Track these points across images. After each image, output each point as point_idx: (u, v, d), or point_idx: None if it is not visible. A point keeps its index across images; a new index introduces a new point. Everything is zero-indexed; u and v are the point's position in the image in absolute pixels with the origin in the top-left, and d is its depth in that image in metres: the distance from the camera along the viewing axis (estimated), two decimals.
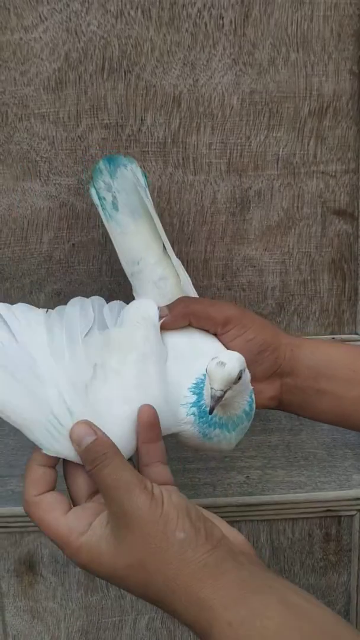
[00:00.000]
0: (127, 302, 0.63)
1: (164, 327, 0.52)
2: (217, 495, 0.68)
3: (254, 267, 0.63)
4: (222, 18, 0.57)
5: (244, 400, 0.49)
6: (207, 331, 0.52)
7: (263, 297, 0.64)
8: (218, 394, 0.45)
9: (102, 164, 0.54)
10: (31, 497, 0.45)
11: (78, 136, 0.59)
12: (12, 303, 0.62)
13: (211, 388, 0.45)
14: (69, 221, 0.61)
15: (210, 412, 0.46)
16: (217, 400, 0.45)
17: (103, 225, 0.60)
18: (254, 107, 0.59)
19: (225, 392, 0.45)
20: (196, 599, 0.40)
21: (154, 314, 0.52)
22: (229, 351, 0.49)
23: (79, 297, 0.53)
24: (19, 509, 0.67)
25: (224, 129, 0.59)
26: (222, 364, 0.45)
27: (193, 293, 0.55)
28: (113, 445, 0.45)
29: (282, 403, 0.54)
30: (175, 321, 0.52)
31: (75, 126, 0.59)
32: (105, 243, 0.61)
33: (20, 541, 0.69)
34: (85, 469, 0.45)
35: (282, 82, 0.59)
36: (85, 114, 0.58)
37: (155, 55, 0.57)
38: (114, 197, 0.54)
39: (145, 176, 0.55)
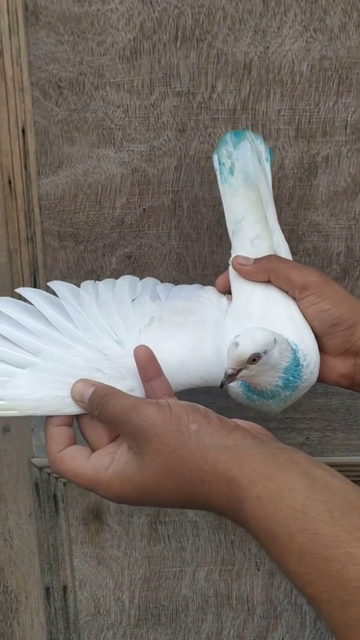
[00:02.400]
0: (194, 266, 0.66)
1: (242, 275, 0.54)
2: None
3: (320, 232, 0.64)
4: None
5: (274, 377, 0.49)
6: (287, 294, 0.53)
7: (328, 262, 0.65)
8: (229, 371, 0.47)
9: (228, 136, 0.58)
10: (54, 454, 0.47)
11: (151, 104, 0.61)
12: (85, 266, 0.66)
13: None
14: (141, 187, 0.63)
15: (220, 386, 0.47)
16: (227, 377, 0.47)
17: (173, 191, 0.63)
18: (323, 73, 0.60)
19: (238, 371, 0.46)
20: (224, 481, 0.41)
21: (217, 296, 0.55)
22: (253, 330, 0.48)
23: (129, 275, 0.57)
24: None
25: (293, 95, 0.60)
26: (236, 344, 0.46)
27: (286, 257, 0.56)
28: (112, 388, 0.47)
29: (355, 383, 0.54)
30: (256, 272, 0.53)
31: (149, 94, 0.61)
32: (174, 208, 0.64)
33: (88, 492, 0.73)
34: (94, 417, 0.47)
35: (353, 47, 0.59)
36: (158, 82, 0.60)
37: (227, 24, 0.59)
38: (232, 164, 0.57)
39: (270, 152, 0.59)
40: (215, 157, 0.58)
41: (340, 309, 0.52)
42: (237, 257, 0.54)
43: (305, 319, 0.52)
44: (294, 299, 0.53)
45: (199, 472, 0.42)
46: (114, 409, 0.46)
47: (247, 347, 0.46)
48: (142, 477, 0.44)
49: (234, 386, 0.51)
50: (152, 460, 0.44)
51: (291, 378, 0.50)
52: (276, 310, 0.52)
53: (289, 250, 0.56)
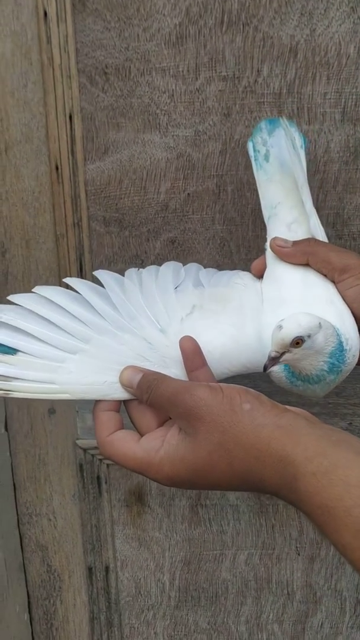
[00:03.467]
0: (237, 250, 0.66)
1: (281, 257, 0.54)
2: None
3: None
4: None
5: (320, 362, 0.49)
6: (325, 277, 0.53)
7: None
8: (272, 354, 0.47)
9: (263, 124, 0.59)
10: (104, 438, 0.48)
11: (196, 89, 0.61)
12: (130, 251, 0.67)
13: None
14: (185, 171, 0.64)
15: (264, 369, 0.48)
16: (271, 360, 0.47)
17: (217, 175, 0.64)
18: None
19: (282, 355, 0.47)
20: (278, 458, 0.41)
21: (252, 280, 0.55)
22: (299, 314, 0.48)
23: (173, 261, 0.57)
24: None
25: (340, 78, 0.60)
26: (280, 327, 0.46)
27: (323, 239, 0.56)
28: (161, 373, 0.48)
29: None
30: (294, 255, 0.54)
31: (194, 79, 0.61)
32: (218, 193, 0.64)
33: (131, 474, 0.74)
34: (143, 401, 0.48)
35: None
36: (203, 67, 0.61)
37: (273, 7, 0.59)
38: (267, 151, 0.58)
39: (305, 139, 0.59)
40: (250, 145, 0.59)
41: None
42: (275, 239, 0.54)
43: (345, 301, 0.52)
44: (333, 282, 0.53)
45: (253, 450, 0.43)
46: (164, 391, 0.46)
47: (291, 331, 0.46)
48: (195, 458, 0.44)
49: (278, 371, 0.51)
50: (205, 440, 0.44)
51: (336, 362, 0.50)
52: (316, 294, 0.52)
53: (325, 234, 0.56)
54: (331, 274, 0.53)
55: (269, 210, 0.57)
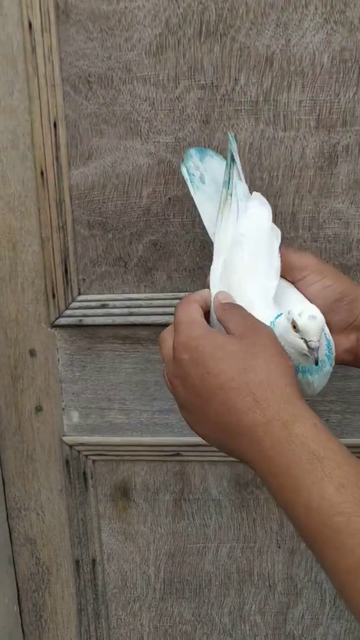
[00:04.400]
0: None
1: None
2: None
3: (340, 219, 0.66)
4: None
5: (323, 345, 0.51)
6: (286, 280, 0.56)
7: (348, 249, 0.67)
8: (317, 344, 0.48)
9: (192, 152, 0.62)
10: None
11: (176, 97, 0.64)
12: (114, 253, 0.69)
13: (309, 341, 0.49)
14: (166, 177, 0.66)
15: (316, 363, 0.49)
16: (317, 350, 0.49)
17: None
18: (344, 64, 0.61)
19: (319, 342, 0.49)
20: (288, 398, 0.44)
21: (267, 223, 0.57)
22: (308, 304, 0.51)
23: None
24: (116, 439, 0.74)
25: (314, 86, 0.62)
26: (314, 317, 0.48)
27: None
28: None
29: (358, 358, 0.56)
30: None
31: (174, 87, 0.63)
32: None
33: (116, 469, 0.76)
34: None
35: None
36: (183, 76, 0.63)
37: (249, 18, 0.61)
38: (202, 175, 0.62)
39: (234, 138, 0.60)
40: (183, 169, 0.62)
41: (342, 284, 0.54)
42: None
43: (308, 298, 0.54)
44: (292, 281, 0.55)
45: (274, 379, 0.45)
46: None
47: (322, 316, 0.49)
48: (223, 344, 0.47)
49: None
50: (246, 344, 0.47)
51: (329, 353, 0.52)
52: (290, 295, 0.54)
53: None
54: (291, 274, 0.55)
55: (213, 227, 0.59)
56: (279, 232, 0.58)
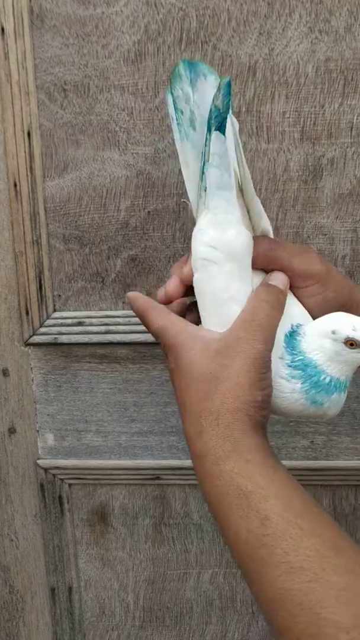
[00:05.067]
0: None
1: None
2: (281, 458, 0.69)
3: (325, 235, 0.63)
4: None
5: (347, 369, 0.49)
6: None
7: (333, 265, 0.64)
8: None
9: (182, 68, 0.47)
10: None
11: (155, 106, 0.61)
12: (90, 268, 0.66)
13: (354, 339, 0.46)
14: (145, 189, 0.63)
15: None
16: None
17: (177, 194, 0.63)
18: (329, 75, 0.59)
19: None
20: (230, 433, 0.44)
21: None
22: (353, 317, 0.47)
23: None
24: (93, 462, 0.71)
25: (299, 97, 0.60)
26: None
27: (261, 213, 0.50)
28: (284, 299, 0.49)
29: None
30: (255, 260, 0.49)
31: (153, 97, 0.61)
32: (179, 211, 0.64)
33: (93, 493, 0.73)
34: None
35: (358, 49, 0.58)
36: (162, 85, 0.60)
37: (232, 26, 0.58)
38: (192, 113, 0.47)
39: (225, 83, 0.45)
40: (169, 99, 0.48)
41: (342, 295, 0.50)
42: None
43: (305, 305, 0.50)
44: (294, 287, 0.50)
45: (224, 412, 0.45)
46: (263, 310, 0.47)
47: None
48: (202, 357, 0.46)
49: (291, 395, 0.48)
50: (217, 366, 0.46)
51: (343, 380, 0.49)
52: (290, 307, 0.50)
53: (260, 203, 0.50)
54: (293, 280, 0.49)
55: (200, 190, 0.49)
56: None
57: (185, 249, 0.65)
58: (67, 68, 0.61)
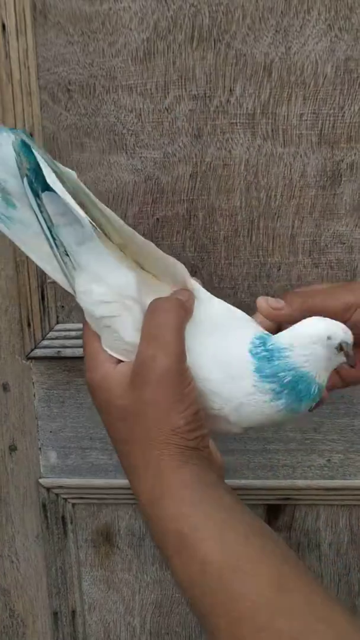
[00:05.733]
0: (210, 278, 0.62)
1: (275, 320, 0.49)
2: (296, 478, 0.66)
3: (344, 243, 0.60)
4: None
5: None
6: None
7: (352, 275, 0.61)
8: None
9: None
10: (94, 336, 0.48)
11: (165, 108, 0.58)
12: None
13: (347, 344, 0.45)
14: (154, 195, 0.60)
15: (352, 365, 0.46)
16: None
17: (188, 200, 0.60)
18: (349, 75, 0.56)
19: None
20: (159, 471, 0.43)
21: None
22: (333, 322, 0.46)
23: None
24: (98, 481, 0.68)
25: (317, 98, 0.57)
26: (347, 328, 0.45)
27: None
28: (181, 307, 0.46)
29: None
30: (292, 316, 0.48)
31: (163, 98, 0.58)
32: (189, 218, 0.60)
33: (98, 513, 0.70)
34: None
35: None
36: (173, 85, 0.57)
37: (246, 23, 0.55)
38: (2, 190, 0.44)
39: (27, 136, 0.43)
40: None
41: None
42: (267, 299, 0.49)
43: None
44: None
45: (149, 449, 0.43)
46: (157, 324, 0.45)
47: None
48: (116, 398, 0.45)
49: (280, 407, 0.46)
50: (132, 400, 0.44)
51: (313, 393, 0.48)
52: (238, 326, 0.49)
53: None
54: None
55: (61, 260, 0.46)
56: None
57: (195, 258, 0.62)
58: (72, 67, 0.57)
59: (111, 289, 0.45)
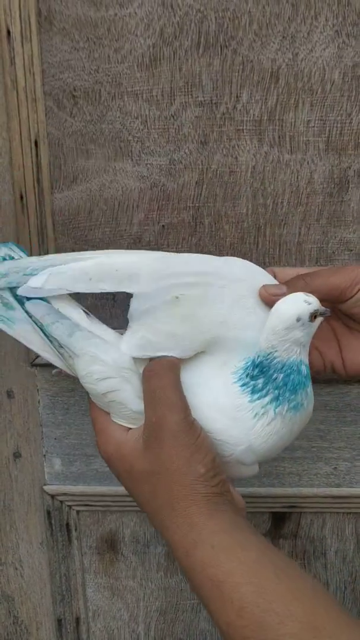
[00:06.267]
0: None
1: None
2: (302, 485, 0.66)
3: (351, 250, 0.60)
4: None
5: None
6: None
7: None
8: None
9: None
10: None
11: (171, 114, 0.57)
12: None
13: (320, 309, 0.46)
14: (160, 202, 0.60)
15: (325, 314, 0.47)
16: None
17: (194, 207, 0.60)
18: (356, 81, 0.56)
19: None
20: (189, 521, 0.44)
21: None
22: (297, 296, 0.47)
23: None
24: (103, 488, 0.68)
25: (324, 105, 0.56)
26: (307, 296, 0.46)
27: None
28: (172, 365, 0.47)
29: None
30: None
31: (169, 104, 0.57)
32: (195, 225, 0.60)
33: (102, 520, 0.69)
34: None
35: None
36: (179, 92, 0.57)
37: (253, 29, 0.55)
38: (0, 296, 0.50)
39: (20, 248, 0.52)
40: None
41: None
42: (267, 287, 0.50)
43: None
44: (340, 302, 0.50)
45: (175, 502, 0.45)
46: (156, 390, 0.46)
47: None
48: (134, 463, 0.47)
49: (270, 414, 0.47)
50: (151, 459, 0.46)
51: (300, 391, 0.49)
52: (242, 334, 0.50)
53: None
54: (340, 297, 0.50)
55: (58, 352, 0.52)
56: None
57: None
58: (77, 73, 0.57)
59: (108, 366, 0.49)
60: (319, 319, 0.47)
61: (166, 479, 0.45)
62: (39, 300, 0.49)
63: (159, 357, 0.48)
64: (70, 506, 0.69)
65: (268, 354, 0.46)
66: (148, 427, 0.46)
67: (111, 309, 0.63)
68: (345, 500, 0.66)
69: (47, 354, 0.51)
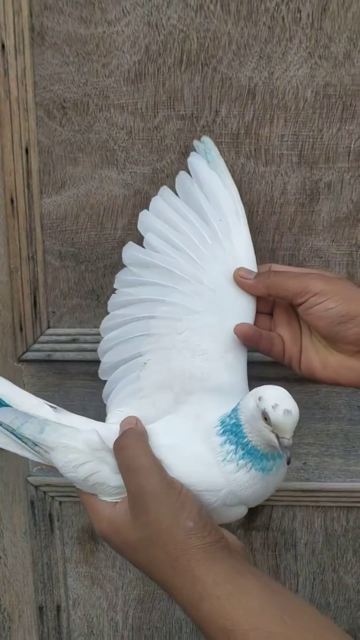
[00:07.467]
0: None
1: (243, 288, 0.55)
2: None
3: (321, 257, 0.64)
4: (300, 12, 0.57)
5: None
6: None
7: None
8: (290, 442, 0.45)
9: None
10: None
11: (155, 126, 0.61)
12: (86, 286, 0.66)
13: (282, 437, 0.45)
14: (143, 208, 0.63)
15: (289, 462, 0.46)
16: (291, 447, 0.45)
17: None
18: (327, 100, 0.60)
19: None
20: (191, 576, 0.45)
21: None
22: (282, 391, 0.46)
23: None
24: None
25: (297, 121, 0.60)
26: (289, 412, 0.45)
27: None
28: (138, 434, 0.49)
29: None
30: (256, 287, 0.54)
31: (153, 117, 0.61)
32: None
33: (83, 511, 0.72)
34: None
35: (357, 75, 0.59)
36: (162, 105, 0.60)
37: (232, 49, 0.59)
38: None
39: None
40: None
41: (348, 306, 0.51)
42: (240, 269, 0.54)
43: (309, 324, 0.53)
44: (295, 306, 0.53)
45: (174, 561, 0.46)
46: (127, 461, 0.48)
47: (297, 411, 0.46)
48: (128, 536, 0.48)
49: (243, 475, 0.49)
50: (141, 527, 0.47)
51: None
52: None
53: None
54: (294, 300, 0.53)
55: (33, 448, 0.53)
56: None
57: None
58: (67, 86, 0.61)
59: (83, 452, 0.51)
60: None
61: (160, 541, 0.46)
62: (4, 407, 0.53)
63: (123, 430, 0.51)
64: (53, 497, 0.72)
65: (240, 424, 0.48)
66: (131, 498, 0.48)
67: (95, 308, 0.67)
68: (314, 494, 0.70)
69: (25, 452, 0.53)
